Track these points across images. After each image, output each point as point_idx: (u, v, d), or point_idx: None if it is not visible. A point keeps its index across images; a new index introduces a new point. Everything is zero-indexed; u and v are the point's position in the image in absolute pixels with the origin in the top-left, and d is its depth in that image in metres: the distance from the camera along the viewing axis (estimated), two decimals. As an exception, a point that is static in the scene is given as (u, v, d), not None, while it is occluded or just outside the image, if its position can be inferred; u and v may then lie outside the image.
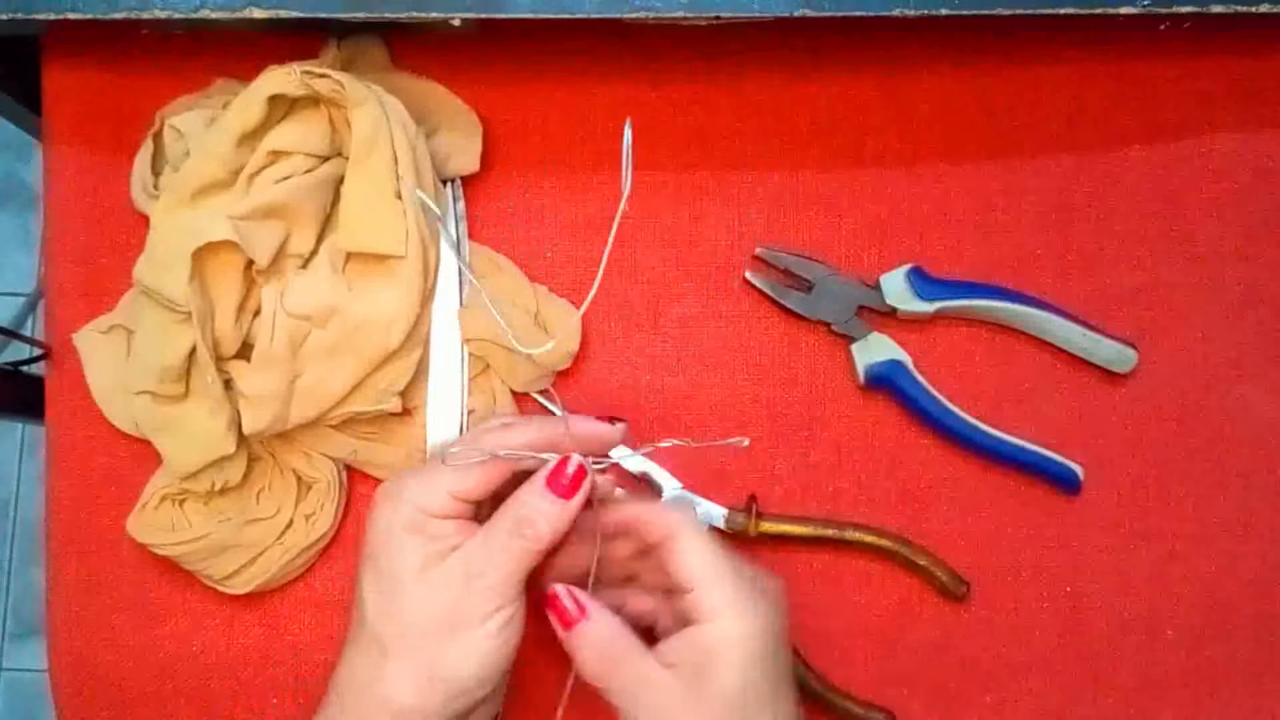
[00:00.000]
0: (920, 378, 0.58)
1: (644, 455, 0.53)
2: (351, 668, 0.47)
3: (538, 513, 0.47)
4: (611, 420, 0.51)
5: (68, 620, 0.58)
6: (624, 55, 0.60)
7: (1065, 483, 0.58)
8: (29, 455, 1.40)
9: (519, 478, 0.49)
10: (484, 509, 0.50)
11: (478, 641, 0.46)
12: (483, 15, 0.53)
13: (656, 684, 0.46)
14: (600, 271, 0.47)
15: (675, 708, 0.45)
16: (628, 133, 0.44)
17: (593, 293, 0.47)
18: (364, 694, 0.46)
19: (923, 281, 0.58)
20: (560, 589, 0.48)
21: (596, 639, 0.47)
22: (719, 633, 0.45)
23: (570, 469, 0.48)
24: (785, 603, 0.48)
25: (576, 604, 0.47)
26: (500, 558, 0.46)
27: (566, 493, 0.47)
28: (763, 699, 0.46)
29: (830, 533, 0.57)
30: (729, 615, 0.46)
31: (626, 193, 0.44)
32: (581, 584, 0.49)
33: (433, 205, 0.52)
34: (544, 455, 0.48)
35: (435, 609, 0.46)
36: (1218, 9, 0.54)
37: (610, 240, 0.46)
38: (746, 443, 0.51)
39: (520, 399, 0.59)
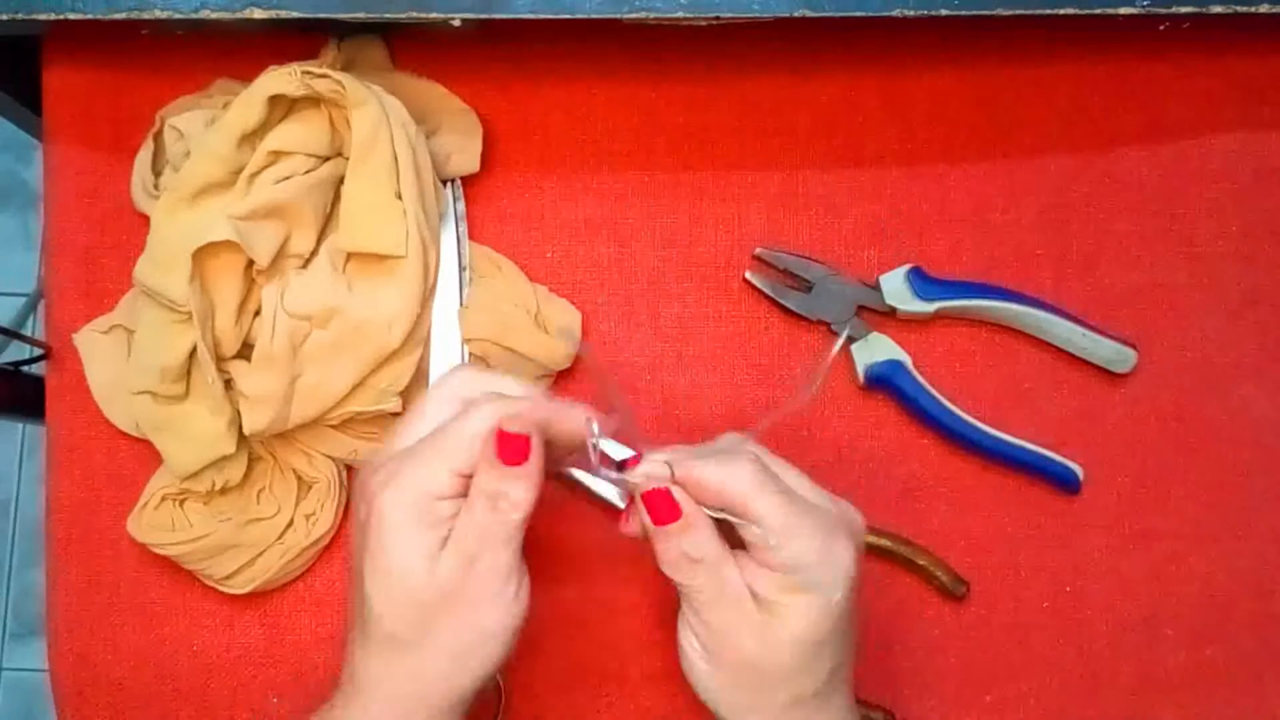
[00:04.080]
0: (920, 378, 0.58)
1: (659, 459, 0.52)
2: (367, 668, 0.46)
3: (502, 485, 0.45)
4: (606, 413, 0.48)
5: (68, 620, 0.59)
6: (624, 55, 0.60)
7: (1065, 482, 0.58)
8: (29, 455, 1.40)
9: None
10: None
11: (492, 621, 0.45)
12: (483, 15, 0.53)
13: (735, 600, 0.45)
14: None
15: (743, 632, 0.45)
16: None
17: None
18: (390, 691, 0.46)
19: (922, 281, 0.58)
20: (666, 489, 0.46)
21: (689, 536, 0.45)
22: (797, 585, 0.45)
23: (503, 438, 0.45)
24: (861, 530, 0.48)
25: (673, 504, 0.46)
26: (487, 537, 0.45)
27: (516, 458, 0.45)
28: (828, 650, 0.45)
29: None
30: (808, 571, 0.45)
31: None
32: None
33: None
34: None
35: (445, 599, 0.45)
36: (1217, 9, 0.54)
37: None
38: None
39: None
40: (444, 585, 0.45)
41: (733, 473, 0.46)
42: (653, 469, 0.46)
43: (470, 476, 0.46)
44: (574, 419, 0.47)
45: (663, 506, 0.46)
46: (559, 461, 0.49)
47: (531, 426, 0.46)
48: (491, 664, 0.46)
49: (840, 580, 0.45)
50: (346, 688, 0.47)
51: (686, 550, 0.45)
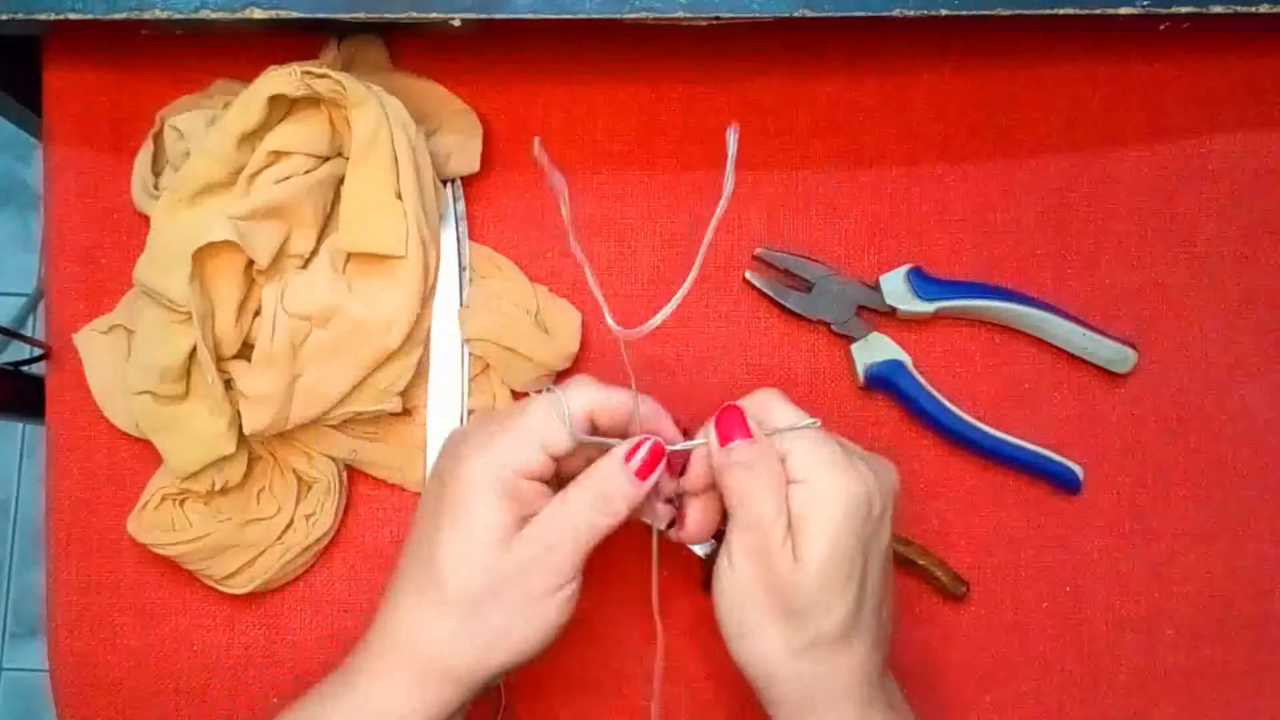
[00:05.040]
0: (920, 378, 0.58)
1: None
2: (409, 624, 0.47)
3: (618, 490, 0.46)
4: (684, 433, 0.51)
5: (68, 620, 0.58)
6: (624, 55, 0.60)
7: (1065, 482, 0.58)
8: (29, 455, 1.40)
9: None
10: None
11: (546, 613, 0.46)
12: (483, 15, 0.53)
13: (774, 516, 0.45)
14: (693, 271, 0.47)
15: (776, 552, 0.45)
16: (732, 141, 0.44)
17: (682, 292, 0.47)
18: (424, 651, 0.46)
19: (922, 281, 0.58)
20: (737, 407, 0.48)
21: (749, 458, 0.46)
22: (810, 493, 0.45)
23: (644, 451, 0.47)
24: (893, 482, 0.48)
25: (738, 414, 0.47)
26: (578, 531, 0.46)
27: (643, 472, 0.47)
28: (852, 571, 0.45)
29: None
30: (822, 476, 0.45)
31: (729, 192, 0.44)
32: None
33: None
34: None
35: (510, 579, 0.45)
36: (1217, 9, 0.54)
37: (703, 248, 0.46)
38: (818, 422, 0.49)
39: (519, 399, 0.59)
40: (516, 564, 0.45)
41: (763, 395, 0.49)
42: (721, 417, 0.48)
43: (559, 459, 0.47)
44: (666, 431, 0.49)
45: (732, 423, 0.47)
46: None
47: (617, 418, 0.48)
48: (524, 655, 0.46)
49: (860, 495, 0.45)
50: (375, 644, 0.47)
51: (746, 459, 0.46)
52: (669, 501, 0.50)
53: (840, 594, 0.45)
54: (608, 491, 0.46)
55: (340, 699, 0.46)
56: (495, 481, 0.46)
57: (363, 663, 0.47)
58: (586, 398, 0.48)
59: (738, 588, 0.46)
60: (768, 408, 0.48)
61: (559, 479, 0.48)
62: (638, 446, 0.47)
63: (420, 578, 0.47)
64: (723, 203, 0.44)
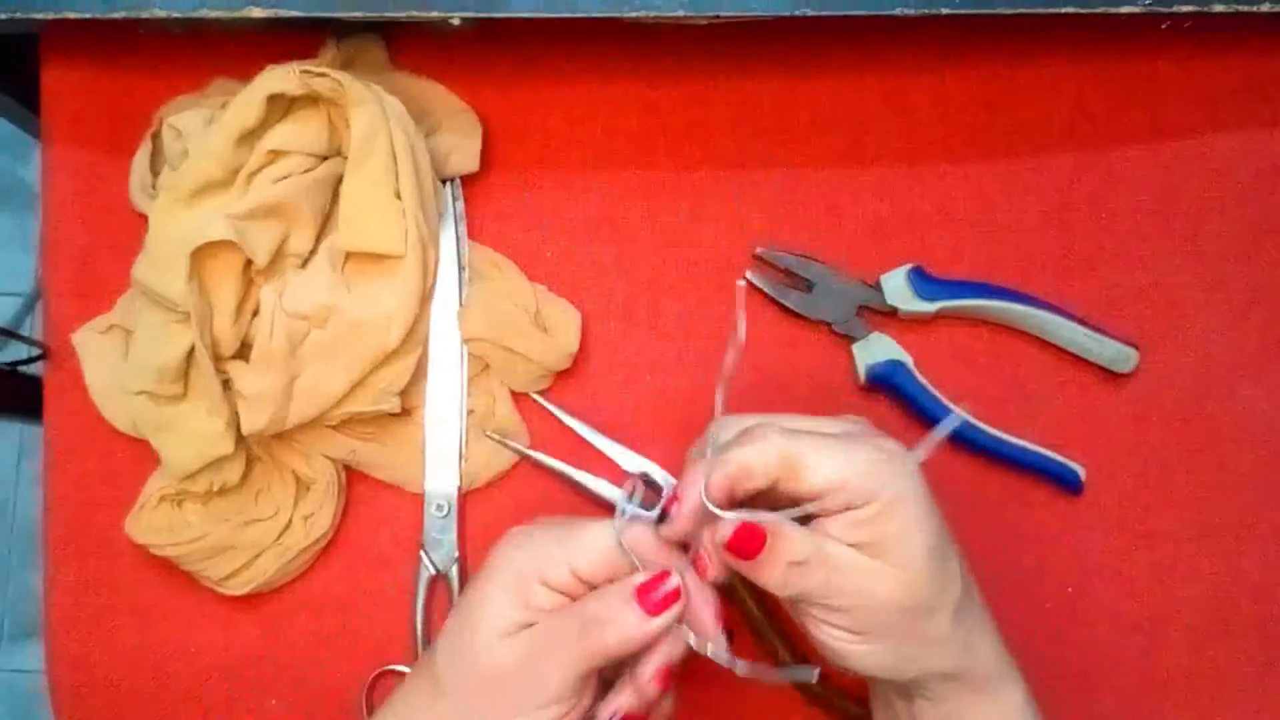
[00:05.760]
0: (921, 378, 0.58)
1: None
2: (405, 692, 0.46)
3: (613, 621, 0.42)
4: (727, 632, 0.45)
5: (65, 621, 0.58)
6: (624, 55, 0.60)
7: (1067, 483, 0.58)
8: (27, 456, 1.40)
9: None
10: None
11: None
12: (483, 15, 0.53)
13: (854, 567, 0.42)
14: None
15: (876, 584, 0.42)
16: (741, 295, 0.42)
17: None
18: None
19: (923, 281, 0.58)
20: (739, 526, 0.42)
21: (783, 545, 0.42)
22: (885, 505, 0.42)
23: (666, 587, 0.43)
24: (889, 441, 0.45)
25: (752, 532, 0.42)
26: (561, 655, 0.42)
27: (654, 609, 0.43)
28: (950, 548, 0.43)
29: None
30: (886, 491, 0.42)
31: (741, 339, 0.42)
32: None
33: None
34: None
35: (495, 677, 0.43)
36: (1219, 8, 0.54)
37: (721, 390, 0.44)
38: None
39: (519, 399, 0.59)
40: (496, 667, 0.43)
41: (758, 448, 0.43)
42: (720, 528, 0.43)
43: (589, 583, 0.44)
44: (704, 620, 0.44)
45: (746, 540, 0.42)
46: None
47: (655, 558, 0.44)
48: None
49: (900, 470, 0.43)
50: (385, 711, 0.46)
51: (788, 559, 0.42)
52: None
53: (948, 567, 0.43)
54: (599, 618, 0.43)
55: None
56: (513, 577, 0.44)
57: None
58: (637, 538, 0.44)
59: (870, 654, 0.43)
60: (758, 457, 0.43)
61: None
62: (657, 582, 0.43)
63: (426, 656, 0.46)
64: (734, 353, 0.43)
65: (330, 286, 0.54)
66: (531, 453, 0.58)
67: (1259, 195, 0.60)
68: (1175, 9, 0.54)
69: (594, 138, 0.60)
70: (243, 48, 0.58)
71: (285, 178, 0.54)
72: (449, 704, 0.44)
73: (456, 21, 0.53)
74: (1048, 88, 0.61)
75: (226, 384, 0.54)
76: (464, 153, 0.59)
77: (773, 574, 0.42)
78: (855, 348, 0.58)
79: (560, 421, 0.58)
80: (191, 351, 0.54)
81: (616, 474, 0.57)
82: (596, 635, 0.42)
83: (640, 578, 0.43)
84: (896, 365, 0.58)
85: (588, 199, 0.60)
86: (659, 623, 0.43)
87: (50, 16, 0.53)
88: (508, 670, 0.43)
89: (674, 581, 0.43)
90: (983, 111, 0.61)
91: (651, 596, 0.43)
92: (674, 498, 0.44)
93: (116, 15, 0.53)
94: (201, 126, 0.56)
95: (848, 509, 0.42)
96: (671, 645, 0.44)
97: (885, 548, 0.42)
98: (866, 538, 0.42)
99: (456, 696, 0.44)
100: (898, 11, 0.53)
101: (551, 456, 0.58)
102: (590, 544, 0.44)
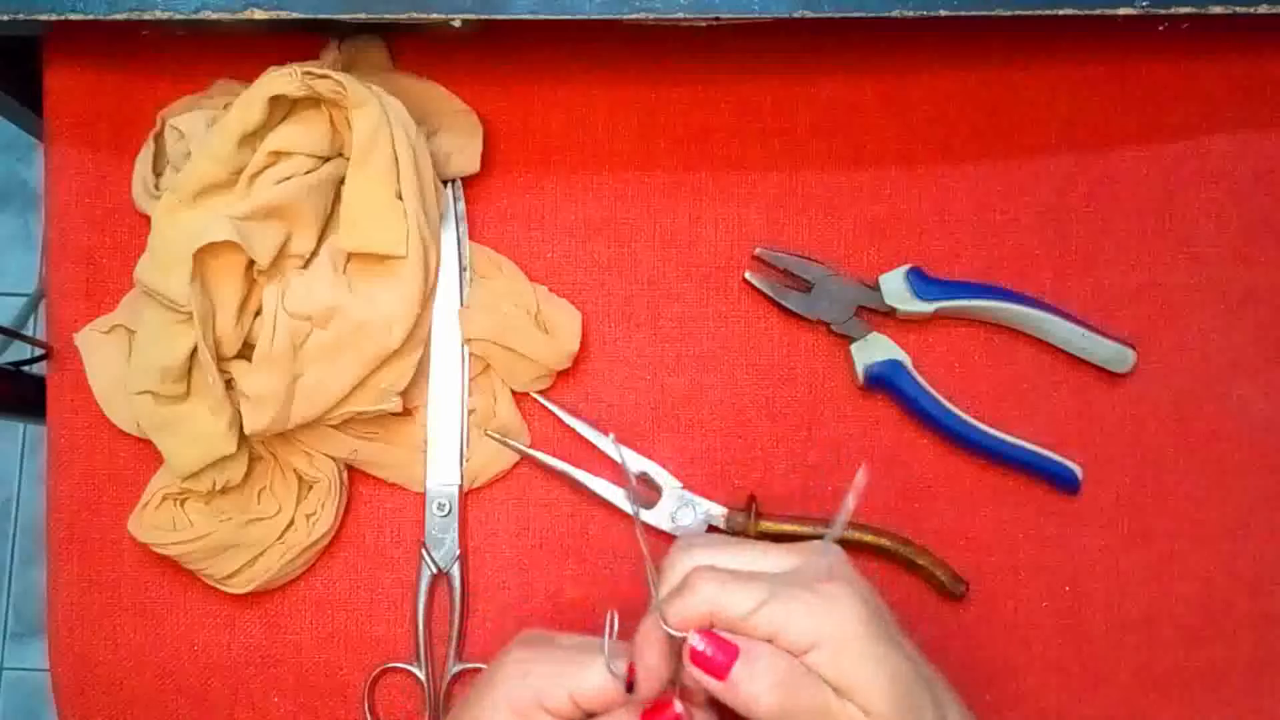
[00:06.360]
0: (919, 378, 0.58)
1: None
2: None
3: None
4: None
5: (69, 620, 0.59)
6: (624, 55, 0.60)
7: (1064, 482, 0.58)
8: (30, 455, 1.40)
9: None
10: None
11: None
12: (483, 16, 0.53)
13: (824, 696, 0.41)
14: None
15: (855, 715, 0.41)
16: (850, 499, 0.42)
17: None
18: None
19: (922, 282, 0.58)
20: (701, 642, 0.42)
21: (765, 668, 0.41)
22: (833, 650, 0.41)
23: (670, 714, 0.43)
24: (833, 554, 0.44)
25: (721, 645, 0.42)
26: None
27: None
28: (917, 676, 0.42)
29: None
30: (828, 638, 0.41)
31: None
32: None
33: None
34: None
35: None
36: (1216, 10, 0.54)
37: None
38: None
39: (520, 398, 0.59)
40: None
41: (687, 603, 0.42)
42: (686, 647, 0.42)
43: (583, 711, 0.43)
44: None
45: (715, 657, 0.42)
46: None
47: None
48: None
49: (842, 613, 0.42)
50: None
51: (768, 674, 0.41)
52: None
53: (909, 692, 0.42)
54: None
55: None
56: (514, 704, 0.43)
57: None
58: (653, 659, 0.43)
59: None
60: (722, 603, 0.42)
61: None
62: (661, 709, 0.43)
63: None
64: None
65: (332, 287, 0.54)
66: (532, 452, 0.58)
67: (1256, 196, 0.60)
68: (1172, 11, 0.54)
69: (595, 139, 0.61)
70: (245, 49, 0.59)
71: (287, 179, 0.54)
72: None
73: (458, 23, 0.53)
74: (1045, 89, 0.61)
75: (229, 384, 0.55)
76: (465, 154, 0.59)
77: (759, 693, 0.41)
78: (854, 348, 0.58)
79: (561, 421, 0.58)
80: (194, 352, 0.54)
81: (616, 473, 0.58)
82: None
83: (641, 708, 0.43)
84: (895, 365, 0.58)
85: (588, 200, 0.60)
86: None
87: (53, 18, 0.53)
88: None
89: (677, 708, 0.43)
90: (981, 113, 0.61)
91: None
92: (632, 667, 0.43)
93: (119, 17, 0.53)
94: (204, 128, 0.56)
95: (796, 648, 0.42)
96: None
97: (846, 689, 0.42)
98: (830, 679, 0.42)
99: None
100: (896, 13, 0.53)
101: (552, 456, 0.58)
102: (589, 681, 0.43)
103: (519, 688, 0.44)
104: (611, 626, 0.44)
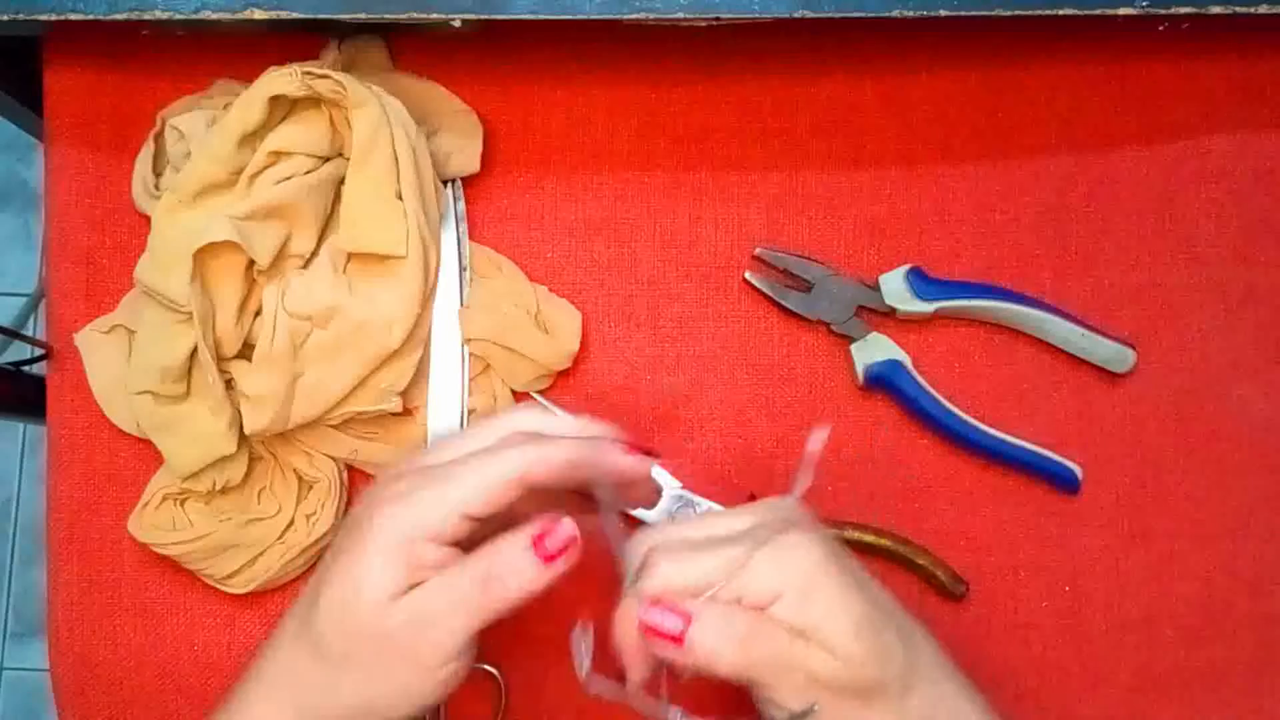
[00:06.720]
0: (919, 378, 0.58)
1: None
2: (284, 653, 0.45)
3: (512, 571, 0.43)
4: (647, 452, 0.47)
5: (69, 619, 0.59)
6: (624, 56, 0.61)
7: (1064, 482, 0.58)
8: (30, 455, 1.40)
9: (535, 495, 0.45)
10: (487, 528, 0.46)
11: (421, 687, 0.43)
12: (483, 16, 0.53)
13: (788, 644, 0.42)
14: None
15: (814, 662, 0.42)
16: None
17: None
18: (291, 691, 0.44)
19: (922, 282, 0.58)
20: (651, 614, 0.42)
21: (718, 625, 0.42)
22: (798, 595, 0.42)
23: (562, 532, 0.43)
24: (786, 507, 0.45)
25: (676, 613, 0.42)
26: (458, 611, 0.42)
27: (550, 556, 0.43)
28: (887, 618, 0.43)
29: (829, 532, 0.57)
30: (792, 584, 0.42)
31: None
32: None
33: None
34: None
35: (384, 643, 0.43)
36: (1216, 10, 0.55)
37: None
38: None
39: (520, 398, 0.59)
40: (391, 629, 0.43)
41: (650, 585, 0.43)
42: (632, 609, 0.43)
43: (479, 520, 0.44)
44: (619, 462, 0.45)
45: (667, 625, 0.42)
46: (617, 502, 0.46)
47: (558, 473, 0.43)
48: (397, 717, 0.44)
49: (805, 559, 0.43)
50: (261, 674, 0.45)
51: (722, 630, 0.42)
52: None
53: (877, 631, 0.43)
54: (500, 573, 0.43)
55: None
56: (395, 539, 0.43)
57: (249, 694, 0.45)
58: (526, 458, 0.44)
59: None
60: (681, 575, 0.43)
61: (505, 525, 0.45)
62: (552, 527, 0.43)
63: (302, 618, 0.45)
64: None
65: (332, 287, 0.54)
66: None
67: (1256, 196, 0.60)
68: (1172, 11, 0.55)
69: (595, 139, 0.61)
70: (245, 49, 0.59)
71: (287, 179, 0.54)
72: (337, 668, 0.43)
73: (458, 23, 0.53)
74: (1045, 89, 0.61)
75: (229, 384, 0.55)
76: (465, 154, 0.59)
77: (719, 651, 0.42)
78: (854, 347, 0.58)
79: (560, 421, 0.58)
80: (194, 352, 0.54)
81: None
82: (498, 588, 0.43)
83: (535, 527, 0.43)
84: (895, 365, 0.58)
85: (588, 200, 0.60)
86: (557, 569, 0.43)
87: (53, 18, 0.53)
88: (402, 632, 0.43)
89: (568, 526, 0.43)
90: (981, 113, 0.61)
91: (548, 543, 0.43)
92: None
93: (119, 16, 0.53)
94: (204, 128, 0.56)
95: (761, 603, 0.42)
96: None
97: (812, 632, 0.42)
98: (796, 625, 0.42)
99: (347, 660, 0.43)
100: (896, 13, 0.53)
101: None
102: (471, 482, 0.43)
103: (401, 520, 0.43)
104: (585, 638, 0.44)
